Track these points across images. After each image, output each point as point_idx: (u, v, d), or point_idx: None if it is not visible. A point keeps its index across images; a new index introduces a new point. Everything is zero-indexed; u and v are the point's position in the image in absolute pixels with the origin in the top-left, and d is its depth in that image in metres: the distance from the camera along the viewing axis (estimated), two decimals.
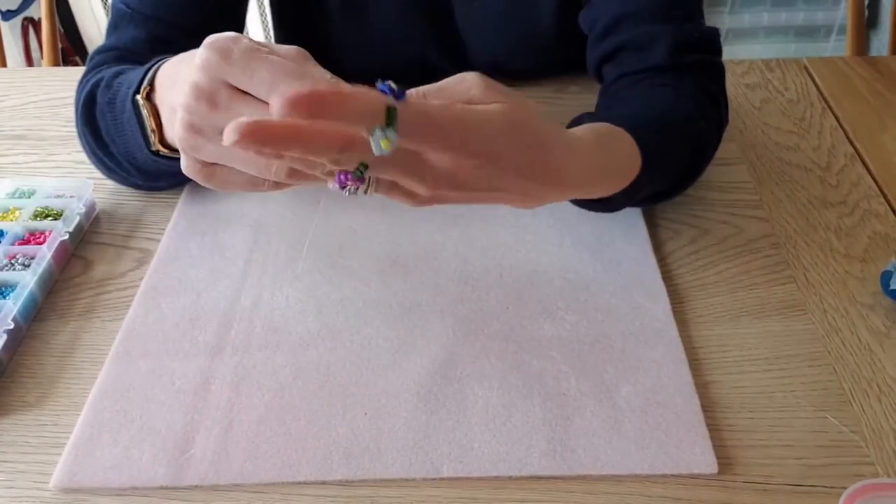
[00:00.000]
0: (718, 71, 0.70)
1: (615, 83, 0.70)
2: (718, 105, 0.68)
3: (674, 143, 0.61)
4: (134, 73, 0.59)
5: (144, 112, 0.54)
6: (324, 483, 0.49)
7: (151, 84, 0.54)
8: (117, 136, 0.61)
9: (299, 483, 0.49)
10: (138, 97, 0.55)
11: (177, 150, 0.54)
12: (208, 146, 0.45)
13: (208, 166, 0.47)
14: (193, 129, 0.44)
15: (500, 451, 0.50)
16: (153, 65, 0.55)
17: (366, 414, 0.52)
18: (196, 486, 0.49)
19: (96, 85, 0.63)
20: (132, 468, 0.49)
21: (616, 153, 0.55)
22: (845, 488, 0.45)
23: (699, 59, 0.68)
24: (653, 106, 0.64)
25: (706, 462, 0.49)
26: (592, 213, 0.65)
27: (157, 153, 0.57)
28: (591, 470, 0.49)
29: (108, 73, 0.63)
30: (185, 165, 0.47)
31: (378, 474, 0.49)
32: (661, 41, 0.67)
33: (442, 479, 0.49)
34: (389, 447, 0.50)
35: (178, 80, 0.49)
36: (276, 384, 0.55)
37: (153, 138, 0.55)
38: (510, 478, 0.49)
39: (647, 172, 0.56)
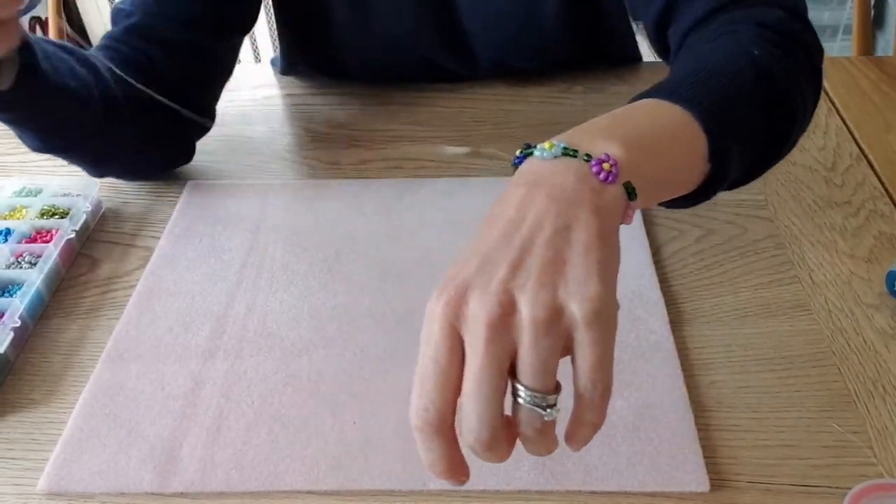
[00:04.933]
0: None
1: (677, 53, 0.62)
2: (788, 34, 0.57)
3: (733, 91, 0.50)
4: None
5: None
6: (310, 493, 0.48)
7: None
8: None
9: (285, 492, 0.48)
10: None
11: None
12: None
13: None
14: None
15: (489, 464, 0.49)
16: None
17: (354, 423, 0.52)
18: (182, 494, 0.49)
19: None
20: (119, 474, 0.49)
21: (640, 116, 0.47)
22: (849, 489, 0.45)
23: None
24: (699, 58, 0.56)
25: (698, 480, 0.48)
26: None
27: None
28: (580, 486, 0.48)
29: None
30: None
31: (365, 485, 0.48)
32: None
33: (429, 491, 0.48)
34: (377, 458, 0.50)
35: None
36: (265, 391, 0.54)
37: None
38: (498, 492, 0.48)
39: (713, 127, 0.46)
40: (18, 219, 0.67)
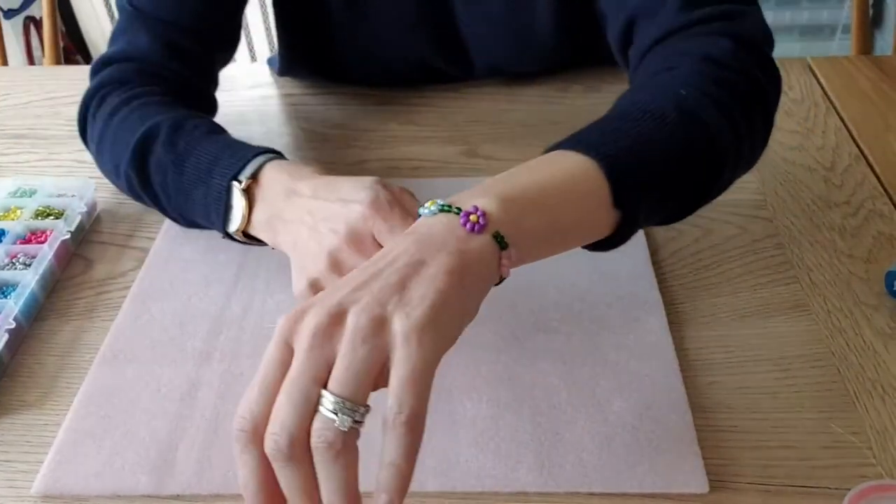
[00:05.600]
0: (740, 17, 0.58)
1: (634, 74, 0.62)
2: (733, 68, 0.55)
3: (648, 134, 0.50)
4: (209, 144, 0.58)
5: (239, 200, 0.55)
6: None
7: (255, 177, 0.55)
8: (177, 197, 0.60)
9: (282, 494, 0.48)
10: (236, 184, 0.55)
11: (250, 238, 0.57)
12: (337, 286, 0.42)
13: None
14: (335, 261, 0.49)
15: (487, 465, 0.49)
16: (256, 155, 0.56)
17: None
18: (178, 496, 0.48)
19: (152, 134, 0.60)
20: (114, 476, 0.49)
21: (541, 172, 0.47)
22: (849, 489, 0.45)
23: (712, 10, 0.58)
24: (623, 101, 0.55)
25: (697, 482, 0.47)
26: None
27: (229, 235, 0.57)
28: (579, 487, 0.48)
29: (164, 122, 0.60)
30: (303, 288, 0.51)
31: (362, 487, 0.47)
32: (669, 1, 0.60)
33: (427, 493, 0.48)
34: (374, 460, 0.49)
35: (302, 196, 0.53)
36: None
37: (238, 226, 0.56)
38: (496, 493, 0.48)
39: (616, 174, 0.47)
40: (13, 219, 0.66)
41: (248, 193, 0.55)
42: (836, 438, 0.50)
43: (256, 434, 0.36)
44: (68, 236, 0.65)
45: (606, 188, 0.47)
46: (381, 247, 0.48)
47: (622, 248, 0.64)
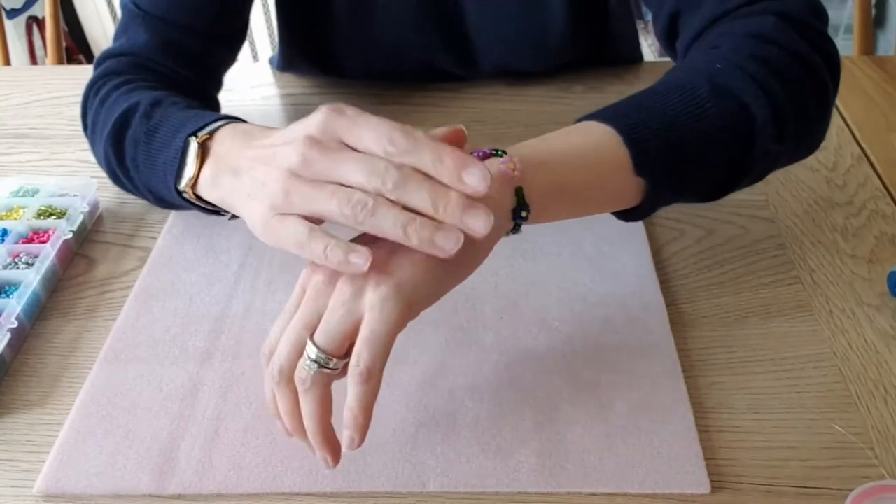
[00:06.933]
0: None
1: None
2: (776, 42, 0.55)
3: (675, 106, 0.51)
4: (182, 114, 0.59)
5: (193, 155, 0.54)
6: (308, 494, 0.48)
7: (211, 135, 0.54)
8: (145, 168, 0.60)
9: (284, 494, 0.48)
10: (193, 139, 0.54)
11: (202, 200, 0.55)
12: (304, 189, 0.44)
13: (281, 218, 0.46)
14: (294, 175, 0.44)
15: (489, 465, 0.49)
16: (218, 119, 0.56)
17: None
18: (179, 496, 0.48)
19: (131, 110, 0.61)
20: (116, 476, 0.49)
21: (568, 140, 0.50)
22: (851, 490, 0.45)
23: None
24: (661, 79, 0.56)
25: (698, 482, 0.47)
26: (592, 223, 0.63)
27: (180, 193, 0.56)
28: (581, 487, 0.48)
29: (144, 99, 0.61)
30: (257, 214, 0.46)
31: (364, 487, 0.48)
32: None
33: (428, 493, 0.48)
34: (376, 459, 0.49)
35: (253, 146, 0.49)
36: (263, 392, 0.54)
37: (188, 182, 0.54)
38: (498, 493, 0.48)
39: (634, 140, 0.49)
40: (15, 219, 0.67)
41: (203, 149, 0.54)
42: (838, 439, 0.50)
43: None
44: (70, 236, 0.66)
45: (626, 155, 0.49)
46: (350, 148, 0.45)
47: (624, 247, 0.64)
